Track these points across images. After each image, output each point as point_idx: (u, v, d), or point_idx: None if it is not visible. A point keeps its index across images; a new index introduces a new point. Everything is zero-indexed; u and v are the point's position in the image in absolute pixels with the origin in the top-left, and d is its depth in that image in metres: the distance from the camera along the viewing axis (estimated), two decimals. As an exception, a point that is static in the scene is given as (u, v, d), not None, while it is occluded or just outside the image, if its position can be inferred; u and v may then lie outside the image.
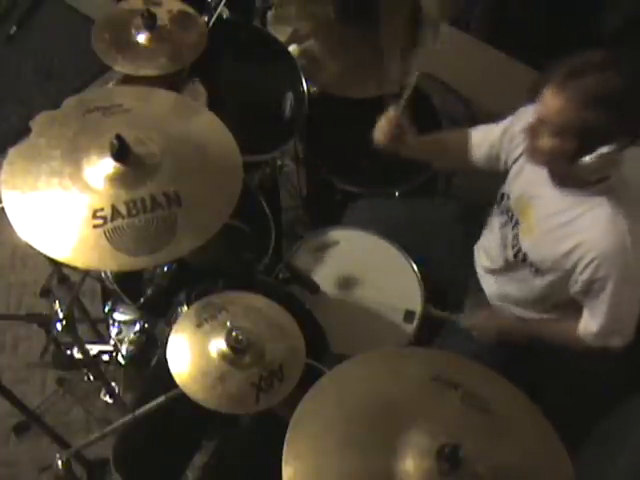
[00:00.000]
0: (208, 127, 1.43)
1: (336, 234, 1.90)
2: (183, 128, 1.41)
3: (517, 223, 1.65)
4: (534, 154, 1.49)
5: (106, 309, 2.10)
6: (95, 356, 2.06)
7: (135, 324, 2.04)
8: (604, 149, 1.36)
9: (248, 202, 1.79)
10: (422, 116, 1.90)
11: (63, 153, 1.30)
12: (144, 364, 1.99)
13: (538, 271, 1.60)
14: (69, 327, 1.69)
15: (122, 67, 1.67)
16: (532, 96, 1.46)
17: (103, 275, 1.83)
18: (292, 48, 2.07)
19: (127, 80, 1.77)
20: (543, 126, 1.42)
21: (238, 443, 1.63)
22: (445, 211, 2.06)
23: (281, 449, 1.05)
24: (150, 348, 2.01)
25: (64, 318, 1.68)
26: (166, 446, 1.64)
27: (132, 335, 2.04)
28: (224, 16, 1.99)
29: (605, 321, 1.52)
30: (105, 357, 2.08)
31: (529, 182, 1.60)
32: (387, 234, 1.88)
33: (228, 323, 1.32)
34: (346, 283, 1.82)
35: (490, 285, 1.82)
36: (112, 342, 2.06)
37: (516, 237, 1.65)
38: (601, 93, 1.33)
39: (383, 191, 2.14)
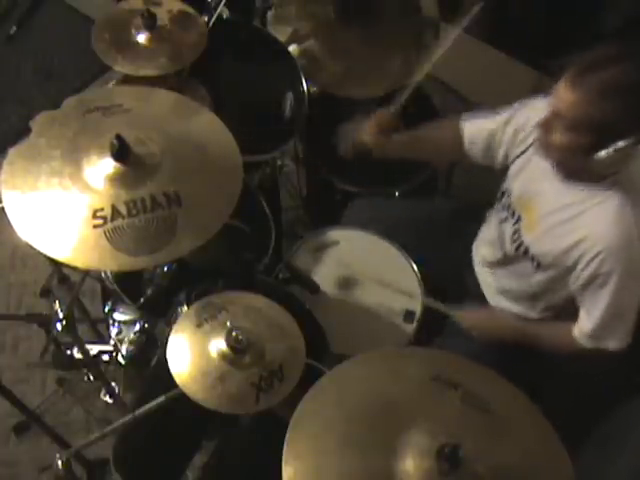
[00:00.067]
0: (208, 127, 1.43)
1: (336, 234, 1.90)
2: (183, 128, 1.41)
3: (519, 219, 1.64)
4: (548, 149, 1.48)
5: (106, 309, 2.10)
6: (95, 356, 2.06)
7: (135, 324, 2.04)
8: (620, 143, 1.36)
9: (248, 202, 1.79)
10: (422, 116, 1.91)
11: (63, 153, 1.30)
12: (144, 364, 1.99)
13: (540, 265, 1.59)
14: (69, 327, 1.69)
15: (122, 67, 1.67)
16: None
17: (103, 275, 1.83)
18: (292, 48, 2.07)
19: (127, 80, 1.77)
20: (557, 121, 1.41)
21: (238, 443, 1.63)
22: (445, 211, 2.06)
23: (281, 449, 1.05)
24: (150, 348, 2.01)
25: (64, 318, 1.68)
26: (166, 446, 1.64)
27: (132, 335, 2.04)
28: (224, 16, 1.99)
29: (601, 321, 1.51)
30: (105, 357, 2.08)
31: (532, 178, 1.60)
32: (387, 234, 1.88)
33: (228, 323, 1.32)
34: (346, 283, 1.82)
35: (488, 279, 1.82)
36: (112, 342, 2.06)
37: (517, 232, 1.64)
38: (616, 86, 1.33)
39: (383, 191, 2.14)
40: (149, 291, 1.72)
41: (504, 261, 1.72)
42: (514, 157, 1.66)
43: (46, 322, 1.89)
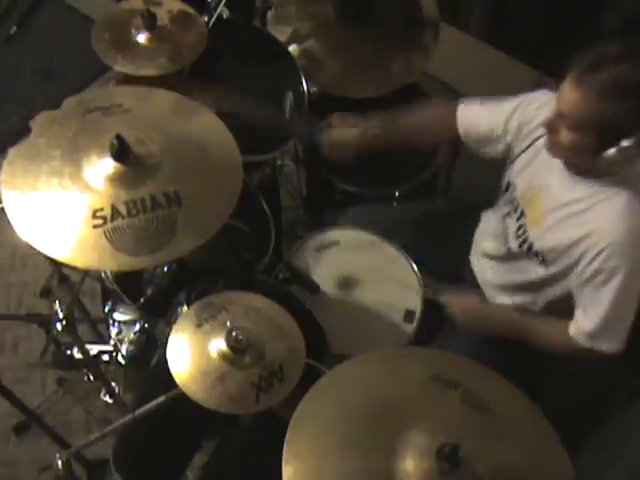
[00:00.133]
0: (208, 127, 1.43)
1: (336, 234, 1.90)
2: (183, 128, 1.41)
3: (522, 214, 1.64)
4: (554, 148, 1.49)
5: (106, 309, 2.10)
6: (95, 356, 2.06)
7: (135, 324, 2.04)
8: (624, 143, 1.36)
9: (248, 202, 1.79)
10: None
11: (63, 153, 1.30)
12: (144, 364, 1.99)
13: (544, 261, 1.58)
14: (69, 327, 1.69)
15: (122, 67, 1.67)
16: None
17: (103, 275, 1.83)
18: (292, 48, 2.07)
19: (126, 80, 1.76)
20: (562, 121, 1.42)
21: (238, 443, 1.63)
22: (445, 211, 2.06)
23: (281, 449, 1.05)
24: (150, 348, 2.00)
25: (64, 318, 1.68)
26: (166, 446, 1.63)
27: (132, 335, 2.03)
28: (224, 16, 1.99)
29: (604, 320, 1.49)
30: (105, 357, 2.08)
31: (539, 173, 1.59)
32: (387, 234, 1.87)
33: (228, 323, 1.32)
34: (346, 283, 1.82)
35: (488, 275, 1.81)
36: (112, 342, 2.06)
37: (522, 228, 1.64)
38: (618, 85, 1.33)
39: (383, 191, 2.13)
40: (149, 291, 1.72)
41: (507, 256, 1.71)
42: (519, 151, 1.66)
43: (46, 322, 1.89)
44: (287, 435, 1.07)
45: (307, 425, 1.10)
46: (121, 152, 1.26)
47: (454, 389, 1.15)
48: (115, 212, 1.23)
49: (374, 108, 1.89)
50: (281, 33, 2.09)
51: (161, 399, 1.37)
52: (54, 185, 1.26)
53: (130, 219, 1.23)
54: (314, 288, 1.73)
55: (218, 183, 1.35)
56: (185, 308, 1.54)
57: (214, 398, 1.25)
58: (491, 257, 1.79)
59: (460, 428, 1.10)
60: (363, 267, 1.84)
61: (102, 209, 1.23)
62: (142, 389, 1.89)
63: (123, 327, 2.06)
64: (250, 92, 2.03)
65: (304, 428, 1.09)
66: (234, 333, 1.28)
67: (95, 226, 1.22)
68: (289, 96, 2.03)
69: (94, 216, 1.23)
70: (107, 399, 2.14)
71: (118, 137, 1.25)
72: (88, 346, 2.00)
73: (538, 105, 1.61)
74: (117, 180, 1.27)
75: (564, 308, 1.58)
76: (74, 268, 1.70)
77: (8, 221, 1.21)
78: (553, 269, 1.57)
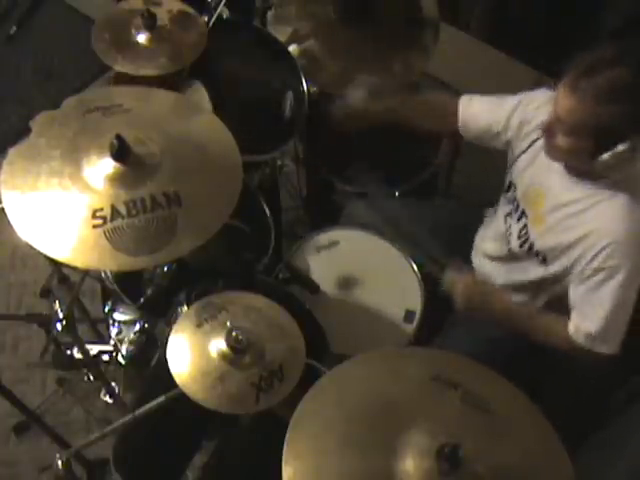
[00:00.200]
0: (208, 127, 1.43)
1: (336, 234, 1.90)
2: (183, 128, 1.41)
3: (523, 214, 1.64)
4: (551, 152, 1.50)
5: (106, 309, 2.10)
6: (95, 356, 2.06)
7: (135, 324, 2.04)
8: (620, 147, 1.36)
9: (248, 202, 1.79)
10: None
11: (63, 153, 1.30)
12: (144, 364, 1.99)
13: (544, 261, 1.59)
14: (69, 327, 1.69)
15: (122, 67, 1.67)
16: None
17: (103, 275, 1.83)
18: (292, 48, 2.07)
19: (122, 79, 1.76)
20: (558, 125, 1.43)
21: (238, 443, 1.63)
22: (445, 211, 2.06)
23: (281, 449, 1.05)
24: (150, 348, 2.00)
25: (64, 318, 1.68)
26: (166, 446, 1.63)
27: (132, 335, 2.03)
28: (224, 16, 1.99)
29: (604, 320, 1.49)
30: (105, 357, 2.08)
31: (539, 173, 1.60)
32: (387, 234, 1.88)
33: (228, 323, 1.32)
34: (346, 283, 1.82)
35: (488, 274, 1.81)
36: (112, 342, 2.06)
37: (524, 228, 1.64)
38: (612, 90, 1.34)
39: (383, 191, 2.14)
40: (149, 291, 1.72)
41: (508, 257, 1.72)
42: (520, 152, 1.66)
43: (46, 322, 1.89)
44: (287, 435, 1.07)
45: (307, 425, 1.10)
46: (121, 152, 1.26)
47: (454, 389, 1.15)
48: (115, 212, 1.23)
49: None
50: (281, 33, 2.08)
51: (161, 399, 1.37)
52: (54, 185, 1.25)
53: (130, 219, 1.23)
54: (314, 288, 1.73)
55: (218, 183, 1.35)
56: (185, 308, 1.54)
57: (214, 398, 1.25)
58: (492, 258, 1.80)
59: (460, 428, 1.10)
60: (363, 267, 1.84)
61: (102, 209, 1.23)
62: (142, 389, 1.89)
63: (123, 327, 2.06)
64: (250, 92, 2.03)
65: (304, 428, 1.09)
66: (234, 333, 1.28)
67: (95, 226, 1.22)
68: (289, 96, 2.03)
69: (94, 216, 1.23)
70: (107, 399, 2.14)
71: (118, 137, 1.25)
72: (88, 346, 2.00)
73: (537, 105, 1.62)
74: (117, 180, 1.27)
75: (564, 307, 1.58)
76: (74, 268, 1.70)
77: (8, 221, 1.21)
78: (553, 268, 1.58)
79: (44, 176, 1.26)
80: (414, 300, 1.78)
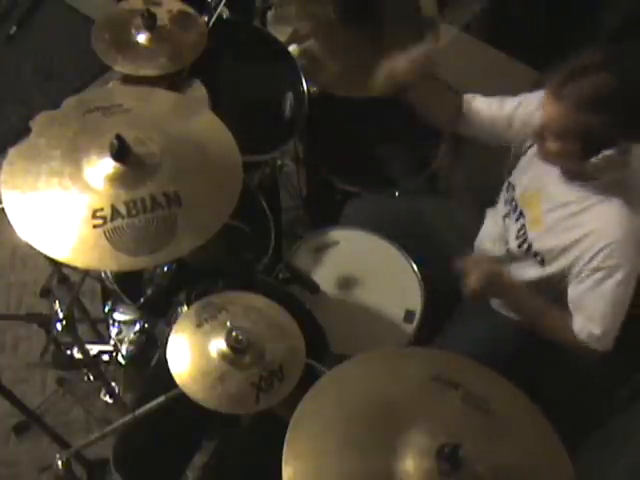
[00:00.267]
0: (208, 127, 1.43)
1: (336, 234, 1.90)
2: (183, 128, 1.41)
3: (521, 215, 1.65)
4: (543, 155, 1.52)
5: (106, 309, 2.10)
6: (95, 356, 2.06)
7: (135, 324, 2.04)
8: (607, 152, 1.37)
9: (248, 202, 1.79)
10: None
11: (63, 153, 1.30)
12: (144, 364, 1.99)
13: (544, 261, 1.60)
14: (69, 327, 1.69)
15: (122, 67, 1.67)
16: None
17: (103, 275, 1.83)
18: (292, 48, 2.07)
19: (127, 80, 1.77)
20: (547, 130, 1.45)
21: (238, 443, 1.63)
22: (445, 211, 2.06)
23: (281, 449, 1.05)
24: (150, 348, 2.00)
25: (64, 318, 1.68)
26: (166, 446, 1.63)
27: (132, 335, 2.03)
28: (224, 16, 1.99)
29: (607, 321, 1.51)
30: (105, 357, 2.08)
31: (536, 175, 1.61)
32: (387, 234, 1.88)
33: (228, 323, 1.32)
34: (346, 283, 1.82)
35: None
36: (112, 342, 2.06)
37: (522, 228, 1.65)
38: (594, 96, 1.35)
39: (383, 191, 2.14)
40: (149, 291, 1.72)
41: (507, 257, 1.72)
42: (519, 153, 1.67)
43: (46, 322, 1.89)
44: (287, 435, 1.07)
45: (307, 425, 1.10)
46: (121, 152, 1.26)
47: (454, 389, 1.15)
48: (115, 212, 1.23)
49: (374, 108, 1.88)
50: (281, 33, 2.09)
51: (161, 399, 1.37)
52: (54, 185, 1.25)
53: (130, 219, 1.23)
54: (314, 288, 1.73)
55: (218, 183, 1.35)
56: (185, 308, 1.54)
57: (214, 398, 1.25)
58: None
59: (460, 428, 1.10)
60: (363, 267, 1.84)
61: (102, 209, 1.23)
62: (142, 389, 1.89)
63: (123, 327, 2.06)
64: (250, 92, 2.04)
65: (304, 428, 1.09)
66: (234, 333, 1.28)
67: (95, 226, 1.22)
68: (289, 96, 2.03)
69: (94, 216, 1.23)
70: (107, 399, 2.14)
71: (118, 137, 1.25)
72: (88, 346, 2.00)
73: (535, 107, 1.62)
74: (117, 180, 1.27)
75: (563, 306, 1.59)
76: (74, 268, 1.69)
77: (8, 221, 1.21)
78: (551, 269, 1.58)
79: (44, 176, 1.26)
80: (414, 300, 1.78)
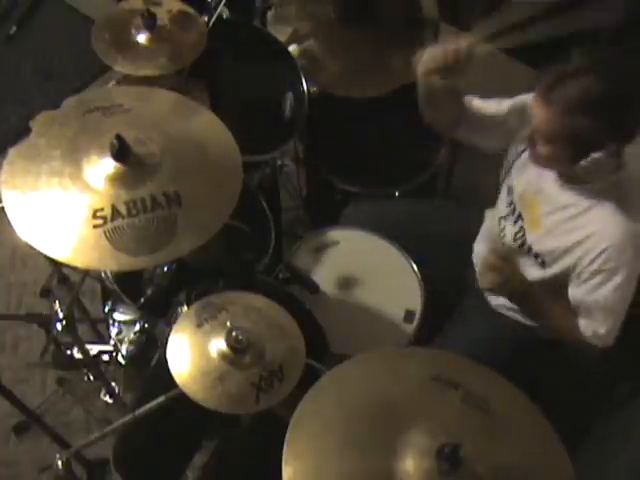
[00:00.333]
0: (208, 127, 1.43)
1: (336, 234, 1.90)
2: (183, 128, 1.41)
3: (520, 217, 1.65)
4: (535, 159, 1.52)
5: (106, 309, 2.10)
6: (95, 356, 2.06)
7: (135, 324, 2.04)
8: (595, 155, 1.38)
9: (248, 202, 1.79)
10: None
11: (63, 153, 1.30)
12: (144, 364, 1.99)
13: (544, 263, 1.60)
14: (69, 327, 1.69)
15: (122, 67, 1.67)
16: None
17: (103, 275, 1.83)
18: (292, 48, 2.07)
19: (127, 80, 1.77)
20: (537, 134, 1.46)
21: (238, 443, 1.63)
22: (445, 211, 2.06)
23: (281, 449, 1.05)
24: (150, 348, 2.00)
25: (64, 318, 1.68)
26: (166, 446, 1.64)
27: (132, 335, 2.03)
28: (224, 16, 1.99)
29: (610, 321, 1.52)
30: (105, 357, 2.07)
31: (534, 176, 1.61)
32: (387, 234, 1.88)
33: (228, 323, 1.32)
34: (346, 283, 1.82)
35: None
36: (112, 342, 2.06)
37: (520, 230, 1.65)
38: (582, 99, 1.36)
39: (383, 191, 2.14)
40: (149, 291, 1.72)
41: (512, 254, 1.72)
42: (515, 155, 1.67)
43: (46, 322, 1.89)
44: (287, 435, 1.07)
45: (307, 425, 1.10)
46: (121, 152, 1.26)
47: (454, 389, 1.15)
48: (115, 212, 1.23)
49: (374, 108, 1.88)
50: (281, 33, 2.09)
51: (161, 399, 1.37)
52: (54, 185, 1.25)
53: (130, 219, 1.23)
54: (314, 288, 1.73)
55: (218, 183, 1.35)
56: (185, 308, 1.54)
57: (214, 398, 1.25)
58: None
59: (460, 428, 1.10)
60: (363, 267, 1.84)
61: (102, 209, 1.23)
62: (142, 389, 1.89)
63: (123, 327, 2.06)
64: (250, 92, 2.04)
65: (304, 428, 1.09)
66: (234, 333, 1.28)
67: (95, 226, 1.22)
68: (289, 96, 2.03)
69: (94, 216, 1.23)
70: (107, 399, 2.14)
71: (118, 137, 1.25)
72: (88, 346, 2.00)
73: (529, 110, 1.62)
74: (117, 180, 1.27)
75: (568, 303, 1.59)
76: (74, 268, 1.69)
77: (8, 221, 1.21)
78: (553, 270, 1.59)
79: (44, 176, 1.26)
80: (414, 300, 1.78)
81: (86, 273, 1.73)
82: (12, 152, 1.30)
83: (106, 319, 2.10)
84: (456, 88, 1.71)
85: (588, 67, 1.37)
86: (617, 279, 1.46)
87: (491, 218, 1.82)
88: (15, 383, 2.20)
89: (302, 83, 2.02)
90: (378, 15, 2.08)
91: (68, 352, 2.06)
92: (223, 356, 1.29)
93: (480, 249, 1.85)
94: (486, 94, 1.78)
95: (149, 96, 1.47)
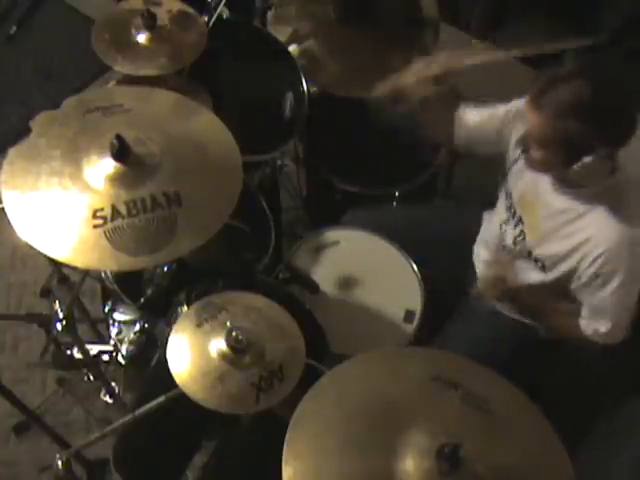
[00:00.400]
0: (208, 127, 1.43)
1: (336, 234, 1.90)
2: (183, 128, 1.41)
3: (520, 221, 1.65)
4: (530, 163, 1.53)
5: (106, 309, 2.10)
6: (95, 356, 2.06)
7: (135, 324, 2.04)
8: (586, 159, 1.38)
9: (248, 202, 1.79)
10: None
11: (63, 153, 1.30)
12: (144, 364, 1.99)
13: (544, 267, 1.61)
14: (69, 327, 1.69)
15: (122, 67, 1.67)
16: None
17: (103, 275, 1.83)
18: (292, 48, 2.07)
19: (127, 80, 1.77)
20: (530, 139, 1.47)
21: (238, 443, 1.63)
22: (445, 211, 2.06)
23: (281, 449, 1.06)
24: (150, 348, 2.00)
25: (64, 318, 1.68)
26: (166, 446, 1.64)
27: (132, 335, 2.03)
28: (224, 16, 1.99)
29: (612, 321, 1.53)
30: (105, 357, 2.07)
31: (532, 181, 1.61)
32: (387, 234, 1.88)
33: (228, 323, 1.32)
34: (346, 283, 1.82)
35: None
36: (112, 342, 2.06)
37: (521, 234, 1.65)
38: (571, 104, 1.36)
39: (383, 191, 2.14)
40: (149, 291, 1.72)
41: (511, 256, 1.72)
42: (513, 160, 1.67)
43: (46, 322, 1.89)
44: (287, 435, 1.07)
45: (307, 425, 1.10)
46: (121, 152, 1.26)
47: (454, 389, 1.15)
48: (115, 212, 1.23)
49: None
50: (281, 33, 2.09)
51: (161, 399, 1.37)
52: (54, 185, 1.26)
53: (130, 219, 1.23)
54: (314, 288, 1.73)
55: (218, 183, 1.35)
56: (185, 308, 1.54)
57: (214, 398, 1.25)
58: (489, 263, 1.80)
59: (460, 428, 1.10)
60: (363, 267, 1.84)
61: (102, 209, 1.23)
62: (142, 389, 1.89)
63: (123, 327, 2.06)
64: (250, 92, 2.03)
65: (304, 428, 1.09)
66: (234, 333, 1.28)
67: (95, 226, 1.22)
68: (289, 96, 2.03)
69: (94, 216, 1.23)
70: (107, 399, 2.14)
71: (118, 137, 1.25)
72: (88, 346, 2.00)
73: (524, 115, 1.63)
74: (117, 180, 1.27)
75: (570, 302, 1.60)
76: (74, 268, 1.69)
77: (8, 221, 1.21)
78: (553, 274, 1.59)
79: (44, 176, 1.26)
80: (414, 300, 1.78)
81: (86, 273, 1.73)
82: (12, 152, 1.30)
83: (106, 319, 2.10)
84: (452, 92, 1.71)
85: (580, 71, 1.38)
86: (615, 282, 1.47)
87: (489, 221, 1.82)
88: (15, 383, 2.20)
89: (302, 83, 2.02)
90: (378, 15, 2.07)
91: (68, 352, 2.06)
92: (223, 356, 1.29)
93: (480, 252, 1.85)
94: (486, 94, 1.78)
95: (149, 96, 1.47)
